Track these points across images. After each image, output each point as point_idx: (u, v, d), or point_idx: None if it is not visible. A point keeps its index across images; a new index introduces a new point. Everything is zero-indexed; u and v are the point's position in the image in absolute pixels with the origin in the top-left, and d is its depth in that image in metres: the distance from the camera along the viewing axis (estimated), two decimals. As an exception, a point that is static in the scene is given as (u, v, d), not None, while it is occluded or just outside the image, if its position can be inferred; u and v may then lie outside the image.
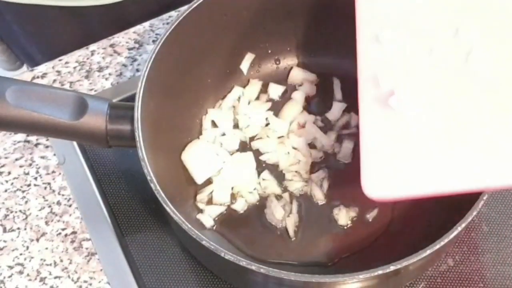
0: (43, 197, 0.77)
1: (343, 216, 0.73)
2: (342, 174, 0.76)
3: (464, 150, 0.59)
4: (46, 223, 0.75)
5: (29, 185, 0.78)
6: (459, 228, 0.59)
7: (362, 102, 0.63)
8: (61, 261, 0.73)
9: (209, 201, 0.75)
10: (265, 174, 0.76)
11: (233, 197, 0.75)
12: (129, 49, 0.88)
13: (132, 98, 0.67)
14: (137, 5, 0.95)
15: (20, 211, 0.76)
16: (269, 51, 0.83)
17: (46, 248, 0.73)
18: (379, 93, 0.63)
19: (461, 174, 0.59)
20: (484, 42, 0.62)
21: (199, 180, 0.75)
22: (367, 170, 0.61)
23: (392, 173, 0.61)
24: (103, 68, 0.86)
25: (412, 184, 0.60)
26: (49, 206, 0.76)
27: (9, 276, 0.72)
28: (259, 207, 0.75)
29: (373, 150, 0.62)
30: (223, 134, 0.79)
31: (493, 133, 0.59)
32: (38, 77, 0.86)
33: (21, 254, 0.73)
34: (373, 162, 0.61)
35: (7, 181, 0.78)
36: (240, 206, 0.74)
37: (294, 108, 0.81)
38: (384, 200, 0.61)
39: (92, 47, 0.88)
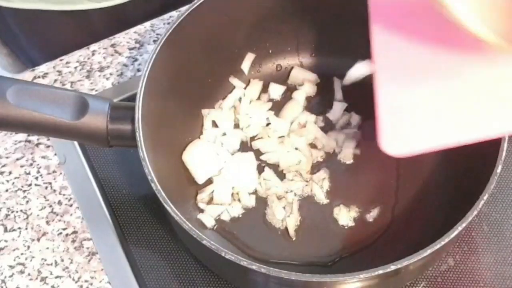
0: (44, 196, 0.77)
1: (344, 216, 0.73)
2: (343, 174, 0.77)
3: (473, 100, 0.59)
4: (47, 222, 0.75)
5: (30, 184, 0.78)
6: (460, 228, 0.59)
7: (377, 62, 0.63)
8: (62, 260, 0.73)
9: (210, 201, 0.75)
10: (266, 174, 0.76)
11: (233, 197, 0.75)
12: (130, 49, 0.88)
13: (133, 98, 0.67)
14: (139, 6, 0.95)
15: (21, 210, 0.76)
16: (270, 51, 0.83)
17: (47, 248, 0.74)
18: (393, 52, 0.63)
19: (472, 124, 0.59)
20: None
21: (200, 180, 0.75)
22: (384, 127, 0.61)
23: (407, 128, 0.60)
24: (104, 68, 0.86)
25: (428, 137, 0.60)
26: (50, 206, 0.76)
27: (10, 276, 0.72)
28: (260, 207, 0.75)
29: (388, 106, 0.61)
30: (224, 134, 0.79)
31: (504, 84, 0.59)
32: (39, 77, 0.86)
33: (22, 254, 0.73)
34: (389, 118, 0.61)
35: (8, 181, 0.78)
36: (236, 211, 0.74)
37: (295, 108, 0.81)
38: (402, 156, 0.60)
39: (93, 47, 0.88)
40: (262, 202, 0.75)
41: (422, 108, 0.61)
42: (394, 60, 0.64)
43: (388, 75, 0.63)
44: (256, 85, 0.82)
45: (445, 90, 0.61)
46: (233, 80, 0.82)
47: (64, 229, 0.75)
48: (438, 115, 0.61)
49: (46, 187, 0.78)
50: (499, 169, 0.62)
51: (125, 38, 0.89)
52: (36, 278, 0.72)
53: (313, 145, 0.78)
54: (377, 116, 0.61)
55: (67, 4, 0.92)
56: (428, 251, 0.58)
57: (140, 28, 0.90)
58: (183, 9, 0.78)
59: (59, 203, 0.76)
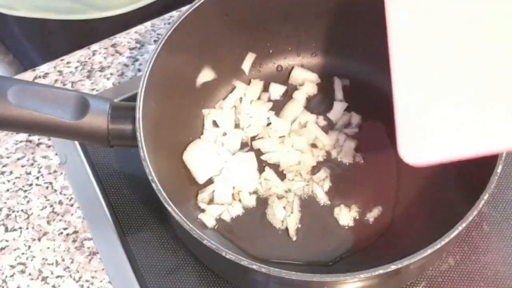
0: (45, 196, 0.77)
1: (344, 216, 0.73)
2: (344, 174, 0.77)
3: (497, 109, 0.58)
4: (48, 222, 0.75)
5: (30, 184, 0.78)
6: (460, 228, 0.59)
7: (395, 67, 0.62)
8: (63, 260, 0.73)
9: (211, 201, 0.75)
10: (267, 174, 0.76)
11: (234, 197, 0.75)
12: (131, 49, 0.88)
13: (133, 98, 0.67)
14: (142, 12, 0.95)
15: (22, 210, 0.76)
16: (270, 51, 0.83)
17: (48, 248, 0.74)
18: (412, 56, 0.62)
19: (494, 135, 0.58)
20: None
21: (201, 180, 0.75)
22: (402, 135, 0.59)
23: (428, 137, 0.59)
24: (104, 68, 0.86)
25: (449, 147, 0.59)
26: (51, 206, 0.76)
27: (11, 276, 0.72)
28: (260, 207, 0.75)
29: (408, 114, 0.60)
30: (225, 134, 0.79)
31: None
32: (39, 77, 0.86)
33: (23, 254, 0.73)
34: (409, 126, 0.60)
35: (9, 181, 0.78)
36: (236, 211, 0.74)
37: (295, 107, 0.81)
38: (422, 165, 0.59)
39: (94, 47, 0.88)
40: (262, 202, 0.75)
41: (442, 116, 0.60)
42: (412, 64, 0.63)
43: (406, 81, 0.62)
44: (256, 85, 0.82)
45: (466, 98, 0.60)
46: (234, 80, 0.82)
47: (65, 229, 0.75)
48: (459, 124, 0.59)
49: (47, 187, 0.78)
50: (499, 169, 0.62)
51: (125, 38, 0.89)
52: (37, 278, 0.72)
53: (313, 145, 0.79)
54: (395, 124, 0.61)
55: (71, 14, 0.92)
56: (428, 251, 0.58)
57: (140, 28, 0.90)
58: (183, 9, 0.78)
59: (60, 203, 0.77)
